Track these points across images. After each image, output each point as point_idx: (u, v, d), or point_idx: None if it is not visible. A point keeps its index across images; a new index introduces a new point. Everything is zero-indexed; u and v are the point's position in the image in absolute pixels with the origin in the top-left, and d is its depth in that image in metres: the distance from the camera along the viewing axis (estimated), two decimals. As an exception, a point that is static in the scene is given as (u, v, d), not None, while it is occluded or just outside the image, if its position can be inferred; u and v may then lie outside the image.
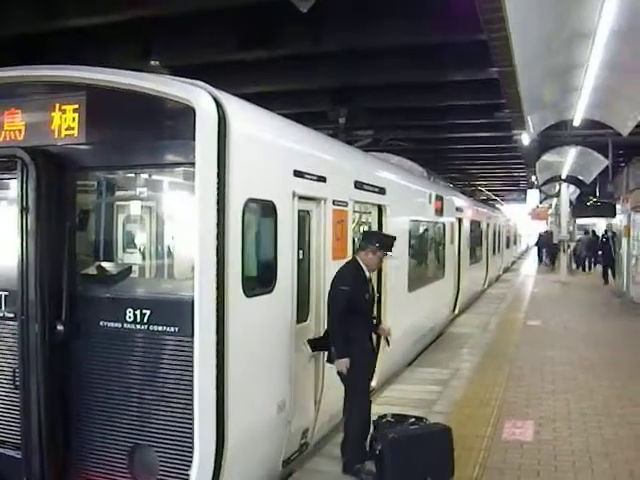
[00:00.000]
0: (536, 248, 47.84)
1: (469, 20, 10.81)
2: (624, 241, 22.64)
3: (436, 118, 22.83)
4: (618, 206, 25.09)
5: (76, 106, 5.66)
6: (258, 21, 13.89)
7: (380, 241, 7.11)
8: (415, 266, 12.67)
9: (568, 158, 26.37)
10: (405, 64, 16.37)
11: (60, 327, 5.58)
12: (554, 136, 20.91)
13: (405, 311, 11.24)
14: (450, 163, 34.87)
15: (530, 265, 44.51)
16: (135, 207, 6.25)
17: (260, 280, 6.12)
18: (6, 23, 13.73)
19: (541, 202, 41.98)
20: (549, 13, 9.75)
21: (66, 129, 5.70)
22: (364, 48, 15.14)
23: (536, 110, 16.00)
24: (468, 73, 16.52)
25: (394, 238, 7.35)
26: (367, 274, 7.01)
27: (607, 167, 24.23)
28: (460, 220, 18.39)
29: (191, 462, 5.23)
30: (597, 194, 28.67)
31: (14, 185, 5.96)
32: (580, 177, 30.92)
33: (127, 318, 5.47)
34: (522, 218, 52.38)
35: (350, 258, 7.36)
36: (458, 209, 18.20)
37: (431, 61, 16.04)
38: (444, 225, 15.84)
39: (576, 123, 17.70)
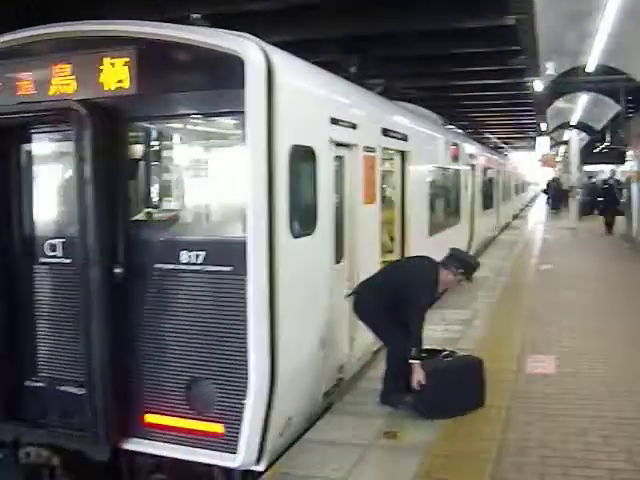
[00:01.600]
0: (544, 195, 48.49)
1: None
2: (634, 186, 22.83)
3: (447, 66, 22.72)
4: (628, 152, 25.22)
5: (126, 59, 5.88)
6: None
7: (465, 267, 7.17)
8: (434, 211, 12.99)
9: (579, 105, 26.46)
10: (417, 12, 16.35)
11: (118, 270, 5.92)
12: (566, 82, 20.97)
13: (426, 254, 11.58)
14: (460, 111, 34.75)
15: (538, 212, 44.78)
16: (187, 154, 6.55)
17: (304, 222, 6.41)
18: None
19: (550, 148, 42.07)
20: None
21: (117, 82, 5.93)
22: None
23: (551, 56, 16.10)
24: (481, 20, 16.52)
25: (477, 267, 7.44)
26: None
27: (618, 114, 24.32)
28: (473, 167, 18.62)
29: (246, 393, 5.62)
30: (607, 141, 28.78)
31: (61, 137, 6.33)
32: (590, 124, 31.00)
33: (182, 260, 5.81)
34: (530, 166, 52.60)
35: (430, 260, 7.31)
36: (471, 156, 18.44)
37: (444, 8, 16.06)
38: (459, 172, 16.11)
39: (589, 69, 17.77)
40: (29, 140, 6.59)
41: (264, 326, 5.63)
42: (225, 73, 5.60)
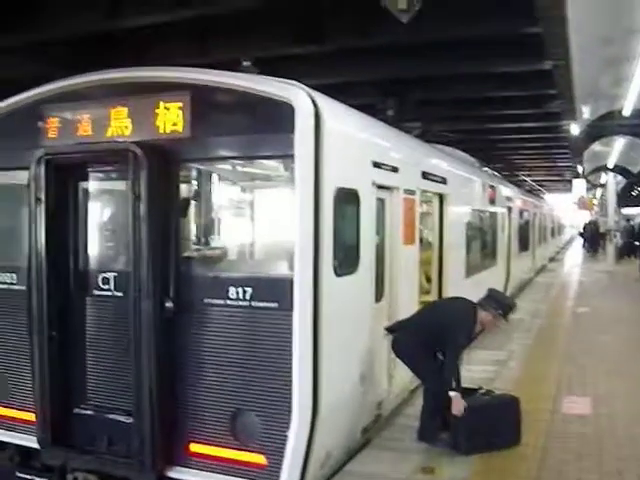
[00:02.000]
0: (581, 238, 48.49)
1: (521, 13, 11.29)
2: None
3: (484, 109, 23.04)
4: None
5: (180, 104, 6.24)
6: (310, 17, 14.31)
7: (502, 308, 7.37)
8: (471, 253, 13.16)
9: (615, 148, 26.52)
10: (454, 56, 16.62)
11: (169, 304, 6.18)
12: (602, 126, 21.12)
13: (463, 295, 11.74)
14: (496, 153, 35.02)
15: (574, 255, 44.57)
16: (236, 195, 6.87)
17: (346, 262, 6.64)
18: (74, 21, 14.38)
19: (587, 192, 42.00)
20: (605, 9, 10.12)
21: (171, 125, 6.28)
22: (412, 42, 15.46)
23: (587, 100, 16.32)
24: (518, 65, 16.76)
25: (514, 308, 7.68)
26: None
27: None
28: (510, 209, 18.75)
29: (288, 425, 5.81)
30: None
31: (115, 176, 6.69)
32: (627, 167, 30.96)
33: (230, 295, 6.07)
34: (566, 208, 52.54)
35: (468, 301, 7.55)
36: (508, 198, 18.59)
37: (481, 53, 16.35)
38: (496, 214, 16.27)
39: (626, 113, 17.90)
40: (85, 178, 6.95)
41: (308, 361, 5.83)
42: (276, 118, 5.89)
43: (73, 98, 6.79)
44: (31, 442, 6.84)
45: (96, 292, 6.72)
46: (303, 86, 6.01)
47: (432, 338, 7.16)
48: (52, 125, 6.85)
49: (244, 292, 6.01)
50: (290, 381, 5.82)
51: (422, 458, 6.86)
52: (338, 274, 6.28)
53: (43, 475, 6.93)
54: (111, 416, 6.60)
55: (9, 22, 13.74)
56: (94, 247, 6.96)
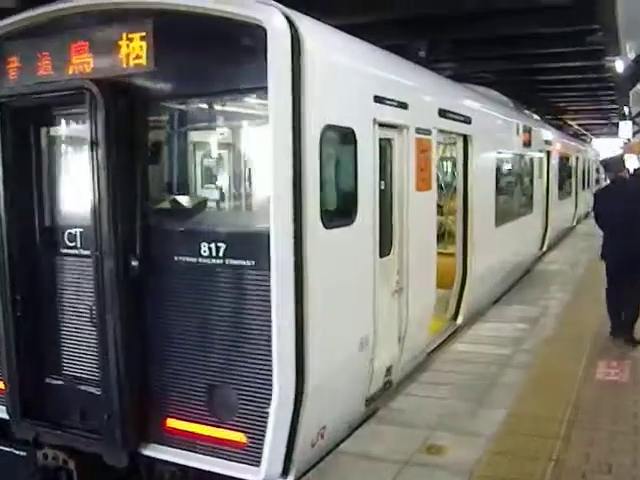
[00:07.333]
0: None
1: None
2: None
3: (520, 48, 21.80)
4: None
5: (143, 34, 5.39)
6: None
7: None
8: (502, 200, 12.16)
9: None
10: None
11: (134, 263, 5.45)
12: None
13: (491, 247, 10.86)
14: (538, 96, 33.56)
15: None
16: (206, 137, 6.01)
17: (340, 211, 5.83)
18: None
19: (634, 135, 40.08)
20: None
21: (134, 58, 5.44)
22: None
23: (632, 35, 15.09)
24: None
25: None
26: None
27: None
28: (549, 153, 17.65)
29: (270, 400, 5.08)
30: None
31: (80, 119, 5.90)
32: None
33: (202, 252, 5.29)
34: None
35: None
36: (547, 142, 17.50)
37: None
38: (532, 158, 15.21)
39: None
40: (46, 123, 6.21)
41: (289, 328, 5.06)
42: (246, 44, 4.99)
43: (31, 33, 5.97)
44: (2, 413, 6.30)
45: (63, 250, 6.04)
46: (279, 5, 5.06)
47: None
48: (10, 65, 6.04)
49: (217, 248, 5.23)
50: (270, 351, 5.05)
51: (430, 434, 6.02)
52: (328, 226, 5.43)
53: (21, 448, 6.33)
54: (83, 387, 6.01)
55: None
56: (59, 200, 6.21)
